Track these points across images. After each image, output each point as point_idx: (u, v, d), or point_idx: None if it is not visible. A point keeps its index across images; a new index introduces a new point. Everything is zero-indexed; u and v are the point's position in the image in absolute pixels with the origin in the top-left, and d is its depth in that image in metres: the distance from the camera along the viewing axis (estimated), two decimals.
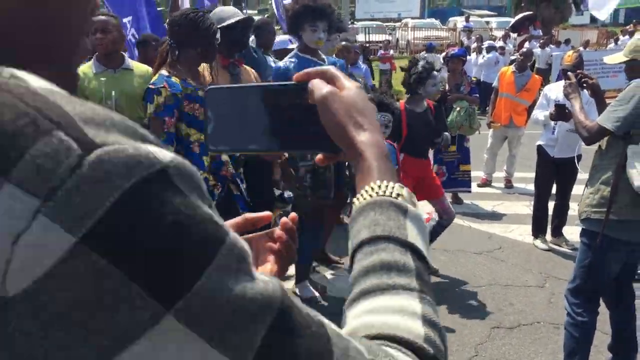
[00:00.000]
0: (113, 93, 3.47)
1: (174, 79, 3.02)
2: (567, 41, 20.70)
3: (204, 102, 2.99)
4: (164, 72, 3.05)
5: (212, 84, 3.40)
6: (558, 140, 5.16)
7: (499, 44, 16.31)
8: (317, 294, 4.17)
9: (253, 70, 3.95)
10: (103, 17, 3.65)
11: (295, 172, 3.95)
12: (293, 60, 3.92)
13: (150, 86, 3.03)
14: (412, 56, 16.00)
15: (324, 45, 4.24)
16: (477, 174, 7.27)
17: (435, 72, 4.40)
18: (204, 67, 3.41)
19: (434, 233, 4.61)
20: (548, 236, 5.44)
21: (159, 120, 3.00)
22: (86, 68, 3.70)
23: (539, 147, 5.35)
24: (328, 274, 4.58)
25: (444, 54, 6.91)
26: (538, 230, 5.43)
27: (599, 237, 2.92)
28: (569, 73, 3.48)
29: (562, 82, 5.31)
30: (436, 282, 4.46)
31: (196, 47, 3.07)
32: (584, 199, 3.06)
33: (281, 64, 3.96)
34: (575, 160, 4.77)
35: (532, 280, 4.58)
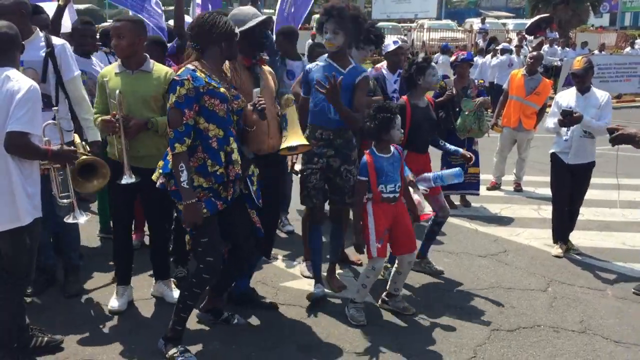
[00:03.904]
0: (117, 92, 3.57)
1: (198, 73, 3.14)
2: (584, 44, 20.56)
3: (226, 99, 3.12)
4: (190, 66, 3.17)
5: (235, 82, 3.53)
6: (572, 146, 5.06)
7: (514, 44, 16.24)
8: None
9: (271, 70, 4.02)
10: (118, 23, 3.74)
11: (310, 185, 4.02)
12: (320, 63, 4.05)
13: (175, 78, 3.16)
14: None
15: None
16: (486, 177, 7.28)
17: (434, 64, 4.53)
18: (227, 67, 3.53)
19: (432, 233, 4.66)
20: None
21: (179, 111, 3.09)
22: (111, 67, 3.85)
23: (553, 155, 5.22)
24: (340, 274, 4.62)
25: (453, 58, 6.89)
26: (557, 238, 5.34)
27: None
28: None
29: (573, 89, 5.30)
30: (438, 283, 4.50)
31: (218, 44, 3.21)
32: None
33: (309, 65, 4.13)
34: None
35: (535, 284, 4.60)
